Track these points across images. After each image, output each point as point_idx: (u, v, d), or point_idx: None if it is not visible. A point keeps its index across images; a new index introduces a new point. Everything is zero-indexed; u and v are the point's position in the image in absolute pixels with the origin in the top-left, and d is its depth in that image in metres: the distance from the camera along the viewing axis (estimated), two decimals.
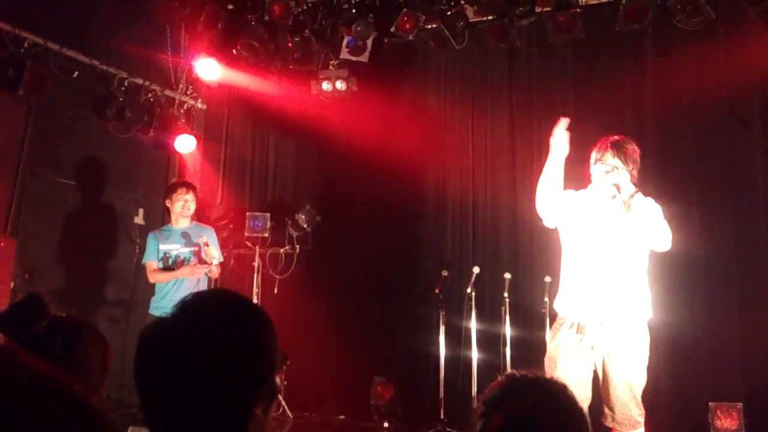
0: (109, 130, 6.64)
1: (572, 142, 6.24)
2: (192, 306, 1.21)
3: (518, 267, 6.53)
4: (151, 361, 1.16)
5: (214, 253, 5.30)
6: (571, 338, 3.52)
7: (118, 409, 6.04)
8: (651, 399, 5.48)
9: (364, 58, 7.28)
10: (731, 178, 5.96)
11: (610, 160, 3.56)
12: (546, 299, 5.70)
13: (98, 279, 6.66)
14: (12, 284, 5.53)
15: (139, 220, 7.02)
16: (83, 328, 1.79)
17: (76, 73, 6.22)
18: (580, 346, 3.51)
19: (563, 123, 3.70)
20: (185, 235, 5.41)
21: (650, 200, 3.58)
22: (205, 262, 5.32)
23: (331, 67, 7.41)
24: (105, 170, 6.79)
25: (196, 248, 5.35)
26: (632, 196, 3.43)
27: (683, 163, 6.14)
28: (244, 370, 1.14)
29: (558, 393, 1.33)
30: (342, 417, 6.81)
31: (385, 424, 6.35)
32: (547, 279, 5.73)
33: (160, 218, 7.21)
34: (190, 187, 5.56)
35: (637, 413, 3.51)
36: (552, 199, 3.64)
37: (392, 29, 6.69)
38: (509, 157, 6.86)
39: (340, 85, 7.34)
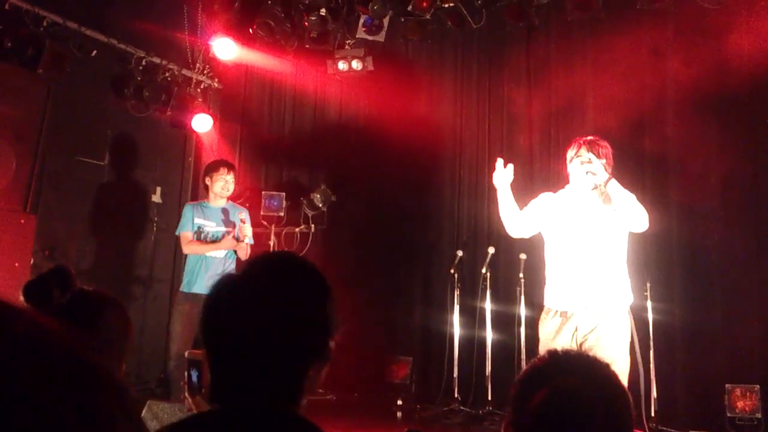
0: (127, 109, 6.68)
1: (590, 122, 6.28)
2: (260, 265, 1.29)
3: (533, 247, 6.49)
4: (217, 314, 1.23)
5: (249, 232, 5.40)
6: (558, 325, 3.75)
7: (137, 384, 6.13)
8: (667, 381, 5.55)
9: (380, 37, 7.24)
10: (753, 164, 5.87)
11: (585, 154, 3.81)
12: None
13: (116, 256, 6.72)
14: (32, 260, 5.61)
15: (156, 198, 7.06)
16: (107, 302, 1.82)
17: (95, 52, 6.24)
18: (566, 333, 3.71)
19: (500, 164, 4.12)
20: (223, 213, 5.49)
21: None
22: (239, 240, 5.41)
23: (347, 47, 7.37)
24: (123, 149, 6.83)
25: (230, 229, 5.41)
26: (607, 181, 3.68)
27: (704, 147, 6.01)
28: (304, 333, 1.24)
29: (603, 370, 1.30)
30: (356, 395, 6.86)
31: (399, 402, 6.39)
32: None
33: (178, 196, 7.25)
34: (231, 167, 5.64)
35: None
36: (516, 223, 4.07)
37: (409, 8, 6.63)
38: (526, 137, 6.82)
39: (356, 64, 7.31)
